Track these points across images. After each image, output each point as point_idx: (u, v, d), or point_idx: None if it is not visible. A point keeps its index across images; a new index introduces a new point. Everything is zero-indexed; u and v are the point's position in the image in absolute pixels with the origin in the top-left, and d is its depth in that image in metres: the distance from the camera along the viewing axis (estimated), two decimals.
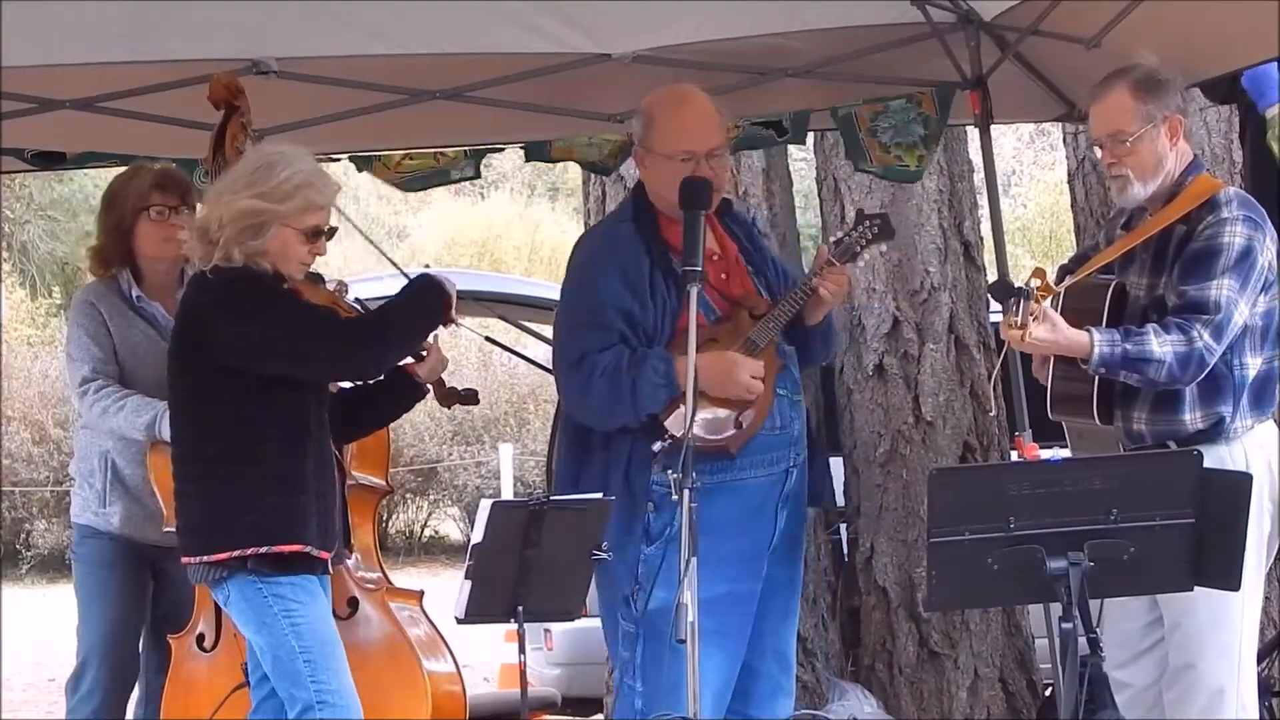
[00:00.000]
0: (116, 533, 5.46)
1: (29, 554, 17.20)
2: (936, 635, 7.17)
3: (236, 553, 4.56)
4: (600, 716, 7.28)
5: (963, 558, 4.07)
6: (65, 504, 15.80)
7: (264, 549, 4.55)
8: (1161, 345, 4.64)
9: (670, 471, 4.45)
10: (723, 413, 4.80)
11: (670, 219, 4.89)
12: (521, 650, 4.47)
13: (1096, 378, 4.76)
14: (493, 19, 5.55)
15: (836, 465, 7.52)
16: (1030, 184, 24.17)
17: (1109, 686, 4.15)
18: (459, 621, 4.47)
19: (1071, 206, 7.89)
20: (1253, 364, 4.79)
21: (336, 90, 5.73)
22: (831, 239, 5.04)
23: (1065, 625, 4.05)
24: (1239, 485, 4.28)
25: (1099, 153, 4.94)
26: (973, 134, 6.30)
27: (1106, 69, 5.09)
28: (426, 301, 4.78)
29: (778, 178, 7.47)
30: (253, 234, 4.57)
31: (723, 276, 4.90)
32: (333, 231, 4.72)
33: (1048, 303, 4.65)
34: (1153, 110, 4.76)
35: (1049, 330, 4.62)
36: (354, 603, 5.18)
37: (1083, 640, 4.07)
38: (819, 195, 7.75)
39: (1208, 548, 4.16)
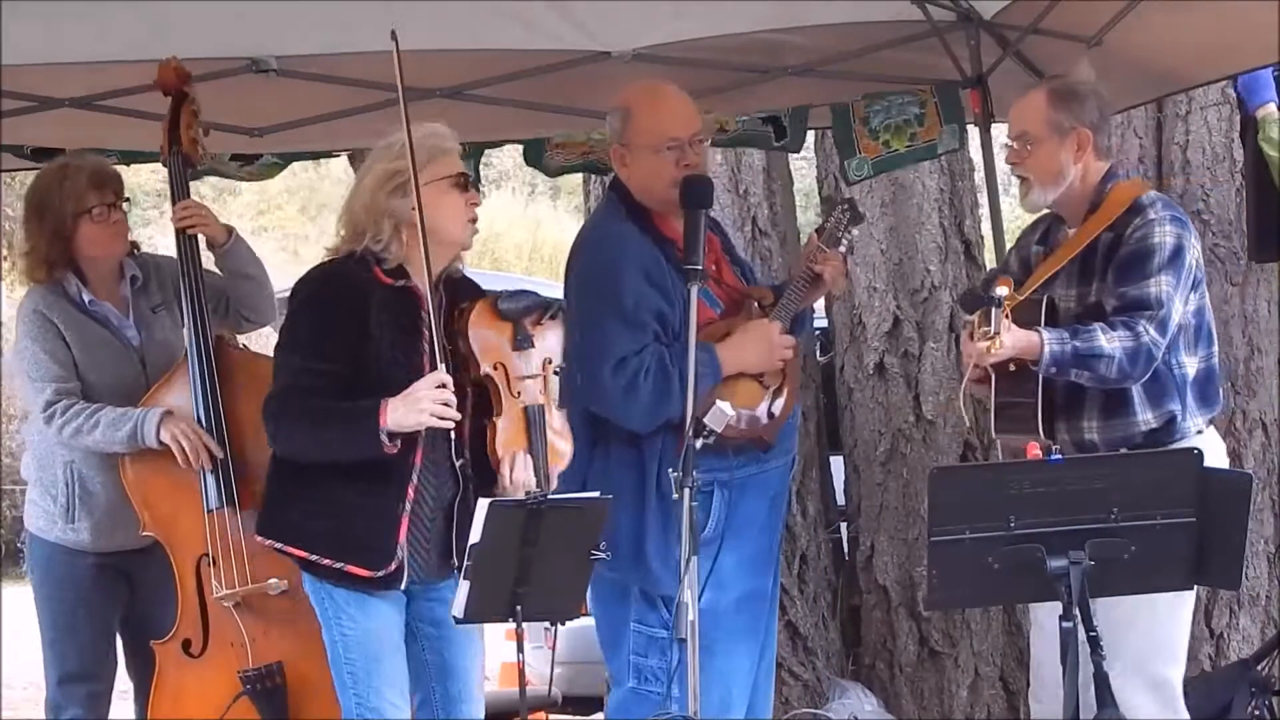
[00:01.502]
0: (88, 549, 5.27)
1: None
2: (937, 634, 7.17)
3: (278, 545, 4.65)
4: (600, 715, 7.27)
5: (963, 557, 4.07)
6: None
7: (285, 547, 4.62)
8: (1110, 341, 4.68)
9: (671, 470, 4.46)
10: (759, 402, 4.83)
11: (662, 214, 4.91)
12: (521, 649, 4.46)
13: (1040, 392, 4.78)
14: (493, 16, 5.55)
15: (837, 464, 7.54)
16: None
17: (1109, 686, 4.15)
18: (458, 621, 4.45)
19: None
20: (1189, 363, 4.83)
21: (336, 89, 5.73)
22: (815, 230, 5.09)
23: (1065, 624, 4.05)
24: (1239, 484, 4.28)
25: (1009, 152, 4.98)
26: (973, 133, 6.30)
27: (1107, 68, 5.09)
28: (342, 440, 4.53)
29: (778, 177, 7.47)
30: (401, 194, 4.54)
31: (713, 268, 4.92)
32: (479, 190, 4.69)
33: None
34: (1062, 120, 4.83)
35: (1009, 336, 4.64)
36: None
37: (1084, 639, 4.07)
38: (819, 195, 7.76)
39: (1208, 547, 4.16)
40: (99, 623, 5.35)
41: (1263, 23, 5.06)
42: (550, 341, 4.69)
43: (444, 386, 4.47)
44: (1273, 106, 6.23)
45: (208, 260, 5.37)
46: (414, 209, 4.52)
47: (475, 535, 4.27)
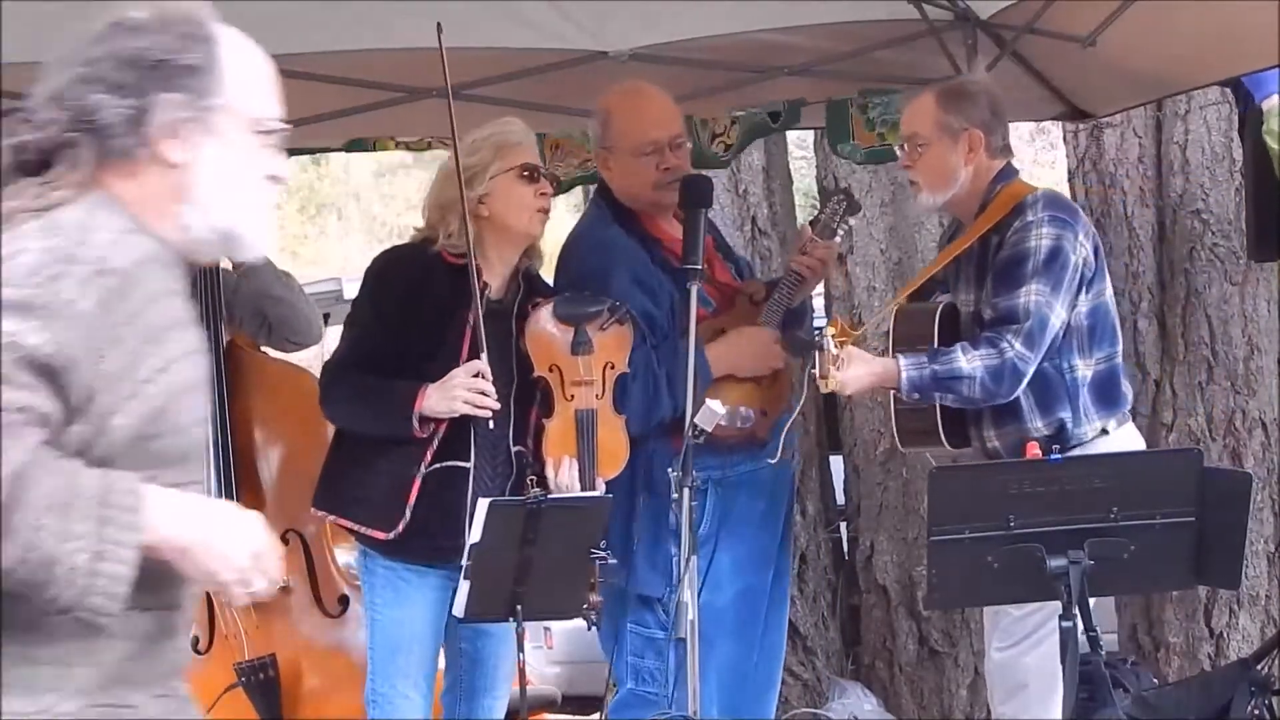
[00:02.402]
0: None
1: None
2: (936, 633, 7.16)
3: (318, 513, 4.79)
4: (599, 715, 7.27)
5: (963, 556, 4.06)
6: None
7: (329, 516, 4.77)
8: (970, 361, 4.62)
9: (671, 470, 4.46)
10: (752, 400, 4.82)
11: (648, 215, 4.91)
12: (521, 649, 4.46)
13: (937, 403, 4.75)
14: (491, 14, 5.54)
15: (836, 463, 7.53)
16: (1030, 182, 24.20)
17: (1109, 684, 4.15)
18: (459, 621, 4.46)
19: None
20: (1083, 365, 4.77)
21: (334, 88, 5.72)
22: (809, 221, 5.08)
23: (1065, 624, 4.04)
24: (1239, 484, 4.28)
25: (901, 154, 4.94)
26: None
27: (1103, 67, 5.07)
28: (376, 417, 4.64)
29: (778, 177, 7.46)
30: (468, 188, 4.60)
31: (706, 266, 4.91)
32: (554, 178, 4.75)
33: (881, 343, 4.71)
34: (952, 121, 4.79)
35: (861, 367, 4.62)
36: (344, 600, 5.18)
37: (1083, 639, 4.06)
38: (819, 194, 7.75)
39: (1208, 546, 4.15)
40: None
41: (1262, 24, 5.04)
42: (614, 346, 4.70)
43: (480, 376, 4.53)
44: (1277, 99, 6.20)
45: None
46: (480, 200, 4.63)
47: (475, 535, 4.27)
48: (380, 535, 4.63)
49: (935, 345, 4.76)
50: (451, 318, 4.64)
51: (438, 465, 4.61)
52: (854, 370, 4.59)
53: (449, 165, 4.70)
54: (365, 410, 4.64)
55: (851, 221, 5.00)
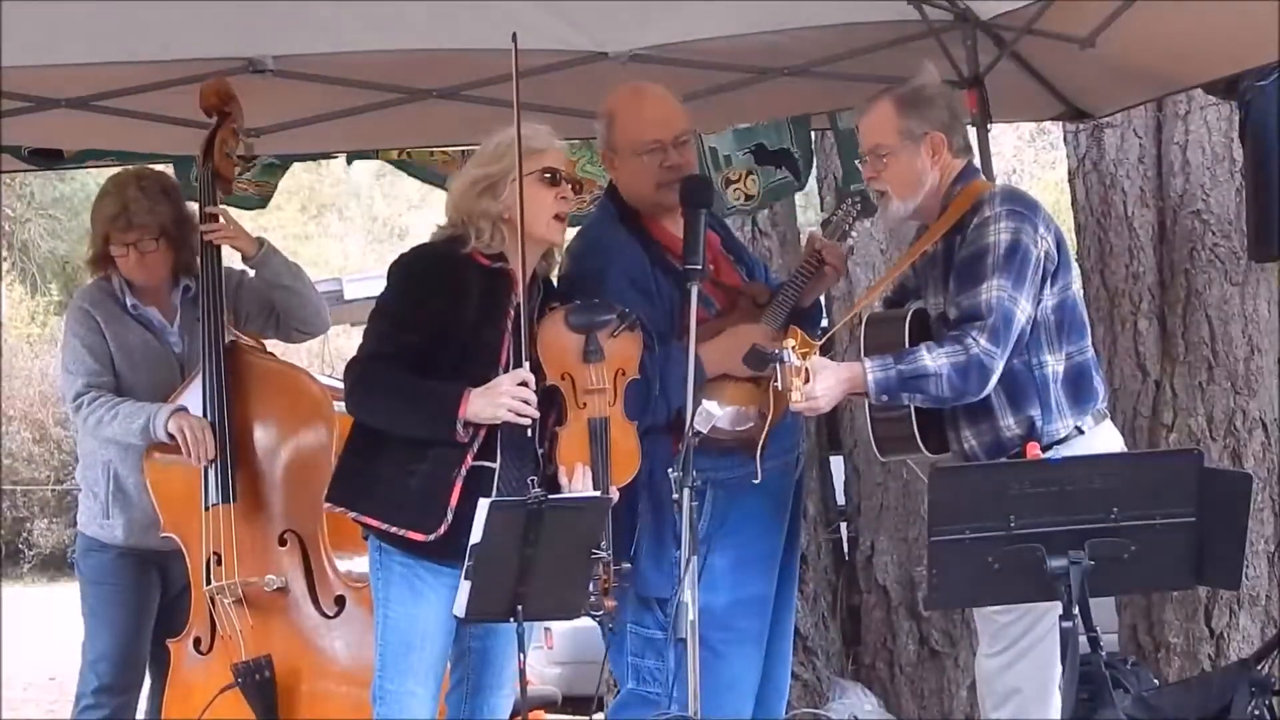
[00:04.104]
0: (121, 544, 5.41)
1: (30, 553, 17.23)
2: (937, 634, 7.17)
3: (337, 509, 4.70)
4: (600, 715, 7.28)
5: (963, 556, 4.07)
6: (65, 503, 15.86)
7: (349, 513, 4.67)
8: (935, 359, 4.56)
9: (671, 470, 4.46)
10: (749, 403, 4.81)
11: (651, 216, 4.91)
12: (521, 649, 4.46)
13: (913, 410, 4.70)
14: (490, 16, 5.54)
15: (837, 464, 7.54)
16: (1031, 183, 24.15)
17: (1109, 685, 4.15)
18: (460, 622, 4.47)
19: (1072, 205, 7.87)
20: (1052, 361, 4.70)
21: (333, 90, 5.72)
22: (820, 221, 5.05)
23: (1065, 624, 4.05)
24: (1239, 484, 4.29)
25: (864, 167, 4.87)
26: (971, 133, 6.29)
27: (1102, 68, 5.06)
28: (418, 419, 4.59)
29: None
30: (490, 196, 4.59)
31: (711, 267, 4.90)
32: (579, 185, 4.72)
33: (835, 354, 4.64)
34: (913, 126, 4.72)
35: (830, 377, 4.56)
36: (341, 601, 5.18)
37: (1083, 639, 4.06)
38: (819, 195, 7.75)
39: (1208, 547, 4.16)
40: (129, 618, 5.44)
41: (1261, 21, 5.05)
42: (624, 353, 4.69)
43: (525, 384, 4.52)
44: None
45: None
46: (507, 208, 4.59)
47: (475, 535, 4.27)
48: (419, 538, 4.58)
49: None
50: (487, 319, 4.62)
51: (472, 466, 4.60)
52: (824, 381, 4.52)
53: (471, 174, 4.68)
54: (402, 410, 4.59)
55: (866, 223, 4.96)
